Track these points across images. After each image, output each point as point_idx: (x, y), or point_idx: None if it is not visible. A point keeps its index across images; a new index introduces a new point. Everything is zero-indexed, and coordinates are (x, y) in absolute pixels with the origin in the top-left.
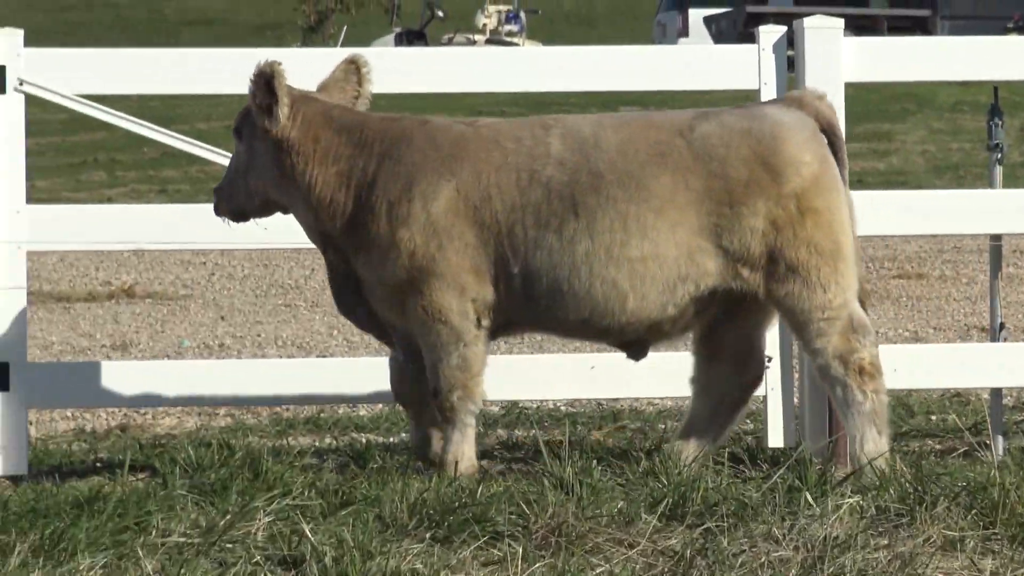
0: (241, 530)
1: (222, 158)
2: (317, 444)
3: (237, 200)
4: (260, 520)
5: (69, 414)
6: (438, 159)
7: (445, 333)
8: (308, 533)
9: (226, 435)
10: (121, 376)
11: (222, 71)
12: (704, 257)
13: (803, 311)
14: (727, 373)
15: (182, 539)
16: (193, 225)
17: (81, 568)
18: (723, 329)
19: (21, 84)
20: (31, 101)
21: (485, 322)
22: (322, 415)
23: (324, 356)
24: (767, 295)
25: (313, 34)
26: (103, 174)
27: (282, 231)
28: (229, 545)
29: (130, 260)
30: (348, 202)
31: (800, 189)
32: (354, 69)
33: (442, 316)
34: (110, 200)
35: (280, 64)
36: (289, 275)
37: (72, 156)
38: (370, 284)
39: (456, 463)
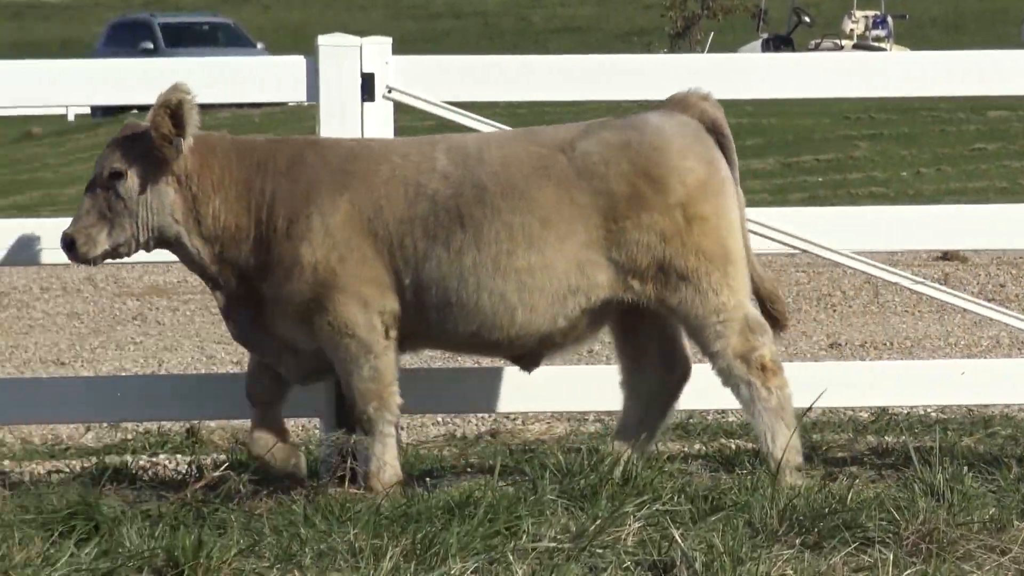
0: (611, 535)
1: None
2: (686, 450)
3: (118, 238)
4: (630, 525)
5: (439, 419)
6: (330, 174)
7: (354, 347)
8: (678, 538)
9: (595, 441)
10: (492, 382)
11: (588, 78)
12: (595, 270)
13: (697, 316)
14: (655, 374)
15: (552, 544)
16: None
17: (453, 572)
18: (644, 331)
19: (389, 92)
20: (399, 108)
21: (393, 333)
22: (691, 421)
23: None
24: (660, 304)
25: (680, 40)
26: None
27: None
28: (599, 550)
29: None
30: (251, 226)
31: (686, 198)
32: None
33: (348, 330)
34: None
35: (188, 94)
36: None
37: None
38: (278, 307)
39: (379, 473)
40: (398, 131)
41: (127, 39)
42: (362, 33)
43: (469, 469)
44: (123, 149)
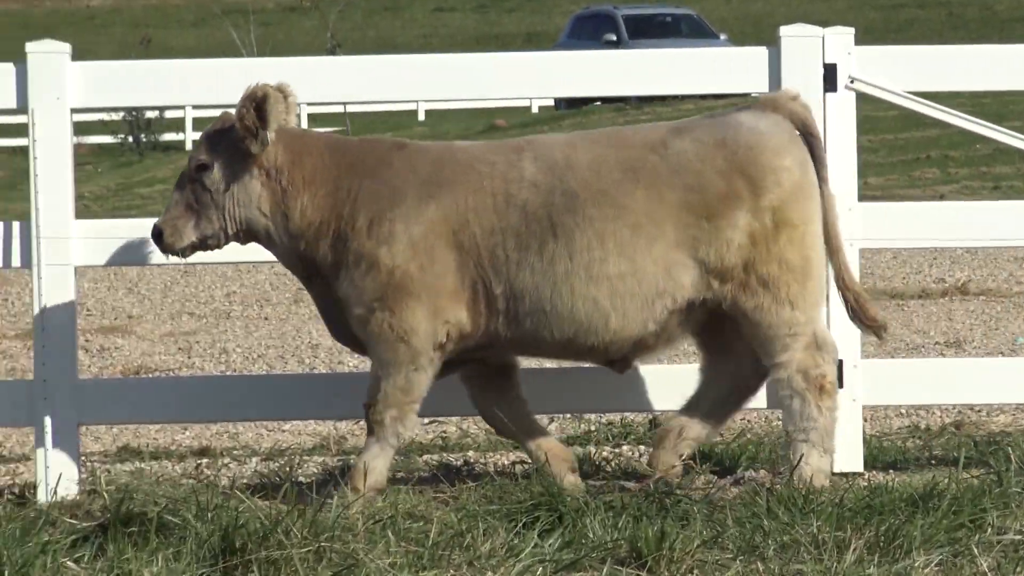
0: None
1: None
2: None
3: (206, 230)
4: None
5: (903, 411)
6: (418, 182)
7: (403, 352)
8: None
9: None
10: (955, 374)
11: None
12: (680, 271)
13: (770, 326)
14: (743, 361)
15: (1018, 537)
16: None
17: (916, 565)
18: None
19: (852, 82)
20: (862, 99)
21: (449, 346)
22: None
23: None
24: (734, 307)
25: None
26: (936, 171)
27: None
28: None
29: (963, 257)
30: (332, 222)
31: (778, 201)
32: (282, 98)
33: (406, 336)
34: (942, 197)
35: (272, 87)
36: None
37: (905, 153)
38: (346, 300)
39: (365, 473)
40: (860, 121)
41: (590, 31)
42: (824, 23)
43: (933, 461)
44: (210, 142)
